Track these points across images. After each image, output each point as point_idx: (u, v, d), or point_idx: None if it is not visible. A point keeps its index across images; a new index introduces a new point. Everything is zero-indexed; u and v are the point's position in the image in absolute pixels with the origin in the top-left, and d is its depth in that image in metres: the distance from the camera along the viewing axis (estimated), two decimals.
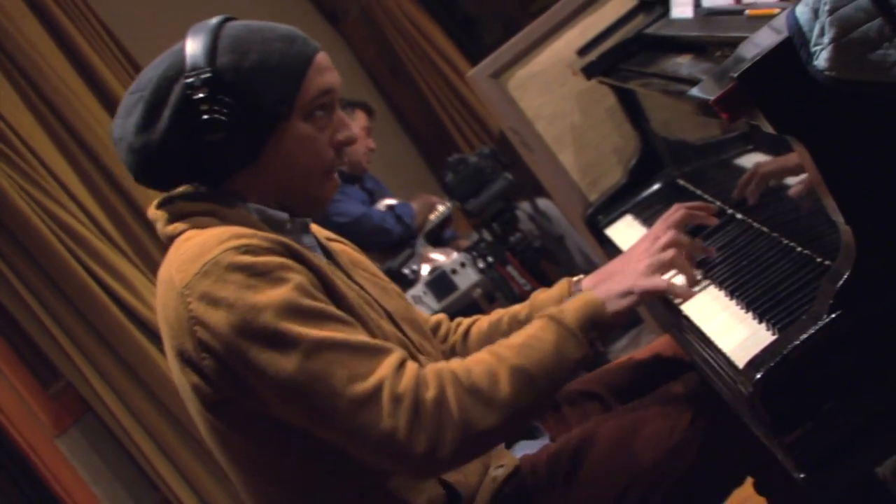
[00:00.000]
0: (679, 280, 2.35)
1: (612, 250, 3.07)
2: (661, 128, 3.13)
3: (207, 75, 2.11)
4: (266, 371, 2.00)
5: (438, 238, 5.29)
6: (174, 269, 2.09)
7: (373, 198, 5.52)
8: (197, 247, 2.08)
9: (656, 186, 3.15)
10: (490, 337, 2.57)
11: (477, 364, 2.08)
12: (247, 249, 2.04)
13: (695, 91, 1.90)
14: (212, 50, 2.14)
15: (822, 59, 1.63)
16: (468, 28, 7.10)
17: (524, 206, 4.80)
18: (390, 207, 5.31)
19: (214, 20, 2.21)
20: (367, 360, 2.01)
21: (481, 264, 4.59)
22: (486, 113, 6.37)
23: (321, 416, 2.03)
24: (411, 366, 2.04)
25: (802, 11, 1.66)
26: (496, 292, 4.57)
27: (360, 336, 2.06)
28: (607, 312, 2.16)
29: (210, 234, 2.11)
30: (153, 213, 2.26)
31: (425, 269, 4.83)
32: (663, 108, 3.04)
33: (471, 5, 7.43)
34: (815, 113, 1.67)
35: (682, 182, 3.04)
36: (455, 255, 4.75)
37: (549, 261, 4.78)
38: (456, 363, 2.09)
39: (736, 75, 1.69)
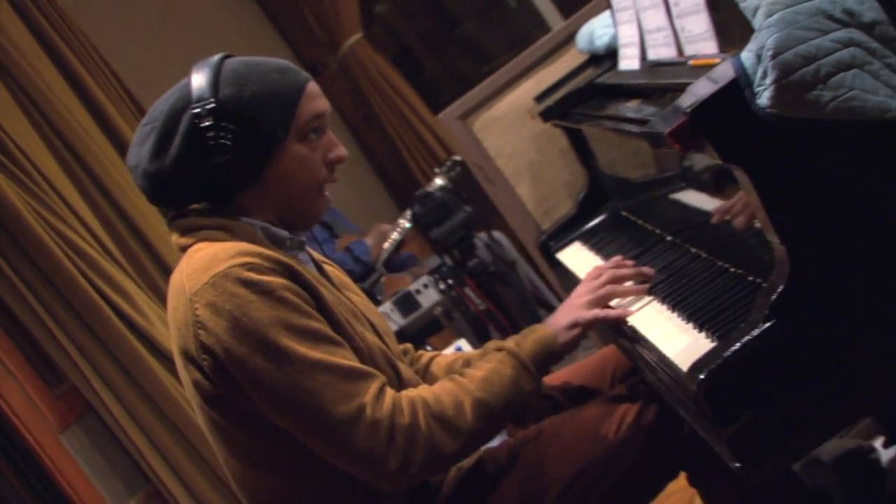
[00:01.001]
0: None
1: (562, 272, 3.10)
2: (606, 166, 3.14)
3: (212, 105, 2.13)
4: (261, 380, 2.04)
5: (393, 263, 5.29)
6: (185, 276, 2.12)
7: (333, 233, 5.49)
8: (207, 259, 2.11)
9: (602, 217, 3.16)
10: (447, 375, 2.60)
11: (445, 394, 2.14)
12: (252, 267, 2.07)
13: (650, 125, 1.90)
14: (215, 83, 2.16)
15: (764, 98, 1.64)
16: (430, 83, 7.12)
17: (481, 236, 4.81)
18: (347, 249, 5.28)
19: (216, 57, 2.24)
20: (353, 384, 2.06)
21: (442, 286, 4.60)
22: (445, 155, 6.37)
23: (306, 427, 2.09)
24: (390, 393, 2.10)
25: (747, 56, 1.68)
26: (454, 311, 4.58)
27: (348, 360, 2.10)
28: (558, 344, 2.25)
29: (220, 247, 2.13)
30: (170, 225, 2.29)
31: (384, 292, 4.85)
32: (609, 149, 3.06)
33: (432, 64, 7.46)
34: (757, 145, 1.69)
35: (624, 213, 3.06)
36: (421, 277, 4.75)
37: (501, 284, 4.78)
38: (427, 391, 2.16)
39: (688, 111, 1.69)
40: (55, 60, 4.82)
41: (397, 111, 6.57)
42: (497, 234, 5.04)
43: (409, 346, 2.72)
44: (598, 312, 2.30)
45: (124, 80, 5.14)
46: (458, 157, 4.84)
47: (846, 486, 3.08)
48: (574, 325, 2.26)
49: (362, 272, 5.14)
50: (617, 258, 2.58)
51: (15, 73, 4.54)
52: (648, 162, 2.74)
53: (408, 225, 4.93)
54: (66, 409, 4.33)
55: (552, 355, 2.24)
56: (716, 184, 2.24)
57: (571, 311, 2.30)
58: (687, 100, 1.75)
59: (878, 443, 3.27)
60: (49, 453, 4.19)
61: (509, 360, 2.19)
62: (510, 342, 2.26)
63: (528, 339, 2.24)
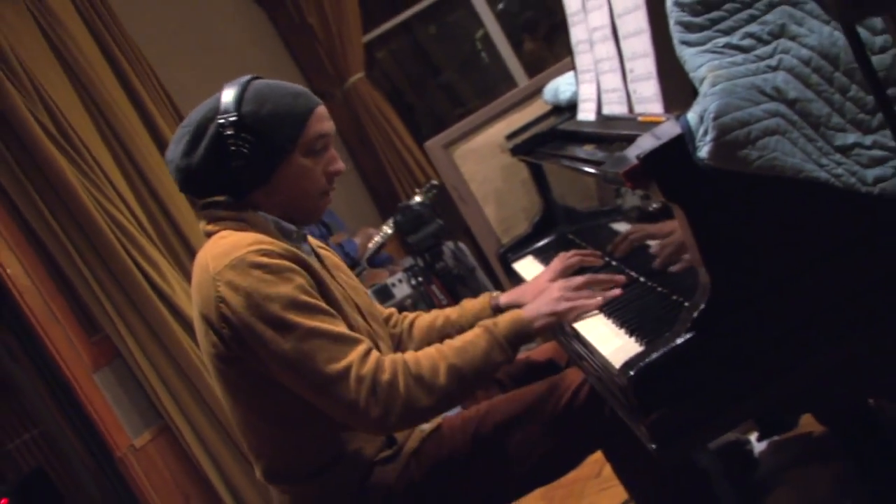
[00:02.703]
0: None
1: (515, 279, 3.09)
2: (558, 197, 3.15)
3: (234, 118, 2.16)
4: (269, 346, 2.07)
5: (375, 260, 5.29)
6: (209, 258, 2.14)
7: (329, 231, 5.50)
8: (229, 245, 2.14)
9: (552, 237, 3.17)
10: (428, 332, 2.63)
11: (424, 358, 2.14)
12: (264, 253, 2.10)
13: (607, 166, 1.90)
14: (239, 100, 2.19)
15: (703, 151, 1.65)
16: (414, 117, 7.13)
17: (448, 244, 4.82)
18: (339, 245, 5.31)
19: (245, 77, 2.26)
20: (342, 347, 2.08)
21: (413, 282, 4.61)
22: (422, 176, 6.39)
23: (305, 384, 2.10)
24: (374, 354, 2.10)
25: (692, 116, 1.68)
26: (421, 303, 4.60)
27: (340, 328, 2.12)
28: (533, 327, 2.21)
29: (240, 236, 2.17)
30: (198, 214, 2.37)
31: (365, 283, 4.84)
32: (561, 183, 3.06)
33: (417, 101, 7.46)
34: (694, 189, 1.69)
35: (570, 236, 3.06)
36: (396, 273, 4.76)
37: (462, 285, 4.79)
38: (409, 355, 2.15)
39: (640, 156, 1.69)
40: (115, 70, 4.83)
41: (387, 137, 6.57)
42: (461, 245, 5.06)
43: (393, 310, 2.73)
44: (571, 304, 2.25)
45: (169, 90, 5.12)
46: (435, 182, 4.88)
47: (726, 470, 3.09)
48: (551, 314, 2.24)
49: (349, 265, 5.13)
50: (588, 251, 2.64)
51: (82, 80, 4.54)
52: (592, 196, 2.75)
53: (389, 231, 4.92)
54: (99, 354, 4.33)
55: (524, 336, 2.22)
56: (641, 218, 2.25)
57: (550, 301, 2.26)
58: (636, 149, 1.75)
59: (752, 437, 3.29)
60: (83, 388, 4.20)
61: (485, 334, 2.18)
62: (490, 320, 2.24)
63: (504, 319, 2.22)
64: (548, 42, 6.89)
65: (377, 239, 5.19)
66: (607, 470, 3.59)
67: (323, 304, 2.14)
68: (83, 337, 4.31)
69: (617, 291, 2.27)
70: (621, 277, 2.34)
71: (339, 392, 2.05)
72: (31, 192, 4.16)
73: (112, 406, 4.27)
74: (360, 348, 2.09)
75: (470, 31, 7.19)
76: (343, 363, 2.05)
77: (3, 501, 5.90)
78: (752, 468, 3.18)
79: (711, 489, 2.40)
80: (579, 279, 2.34)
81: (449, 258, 4.66)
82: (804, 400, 1.83)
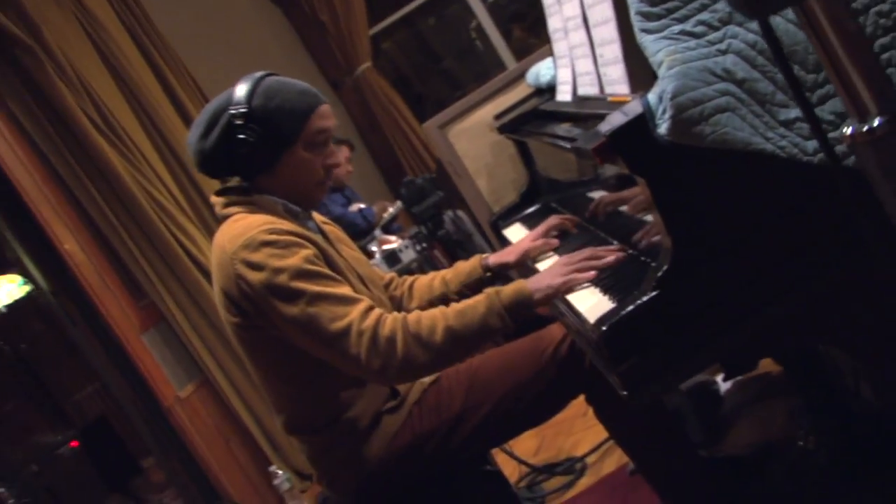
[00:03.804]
0: None
1: (505, 243, 3.05)
2: (542, 170, 3.11)
3: (244, 110, 2.14)
4: (282, 313, 2.05)
5: (388, 228, 5.27)
6: (226, 240, 2.13)
7: (349, 202, 5.52)
8: (243, 227, 2.12)
9: (537, 206, 3.12)
10: (426, 290, 2.59)
11: (425, 318, 2.08)
12: (273, 231, 2.09)
13: (579, 143, 1.86)
14: (251, 94, 2.16)
15: (662, 129, 1.61)
16: (418, 102, 7.07)
17: (448, 214, 4.81)
18: (360, 209, 5.33)
19: (259, 73, 2.23)
20: (345, 306, 2.04)
21: (418, 248, 4.58)
22: (426, 155, 6.35)
23: (315, 342, 2.07)
24: (376, 311, 2.07)
25: (652, 97, 1.64)
26: (426, 266, 4.58)
27: (343, 289, 2.09)
28: (534, 298, 2.09)
29: (251, 219, 2.15)
30: (214, 199, 2.30)
31: (377, 249, 4.82)
32: (545, 157, 3.02)
33: (420, 87, 7.41)
34: (655, 162, 1.65)
35: (553, 205, 3.02)
36: (402, 240, 4.73)
37: (461, 249, 4.77)
38: (412, 314, 2.09)
39: (607, 134, 1.65)
40: (151, 67, 4.86)
41: (393, 120, 6.54)
42: (460, 213, 5.05)
43: (393, 275, 2.69)
44: (569, 278, 2.10)
45: (199, 82, 5.11)
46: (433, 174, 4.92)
47: (695, 408, 3.09)
48: (550, 287, 2.09)
49: (366, 229, 5.21)
50: (567, 216, 2.60)
51: (123, 76, 4.58)
52: (572, 168, 2.70)
53: (401, 205, 4.88)
54: (146, 317, 4.37)
55: (525, 305, 2.08)
56: (618, 186, 2.21)
57: (552, 276, 2.12)
58: (605, 126, 1.72)
59: (719, 377, 3.28)
60: (133, 347, 4.25)
61: (485, 300, 2.08)
62: (495, 288, 2.13)
63: (508, 288, 2.11)
64: (534, 30, 6.86)
65: (391, 210, 5.20)
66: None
67: (327, 271, 2.11)
68: (131, 303, 4.33)
69: (612, 258, 2.10)
70: (616, 250, 2.15)
71: (343, 346, 2.03)
72: (82, 178, 4.20)
73: (159, 362, 4.30)
74: (361, 306, 2.06)
75: (465, 22, 7.13)
76: (346, 321, 2.02)
77: (73, 443, 5.97)
78: (719, 405, 3.17)
79: (680, 427, 2.40)
80: (579, 254, 2.17)
81: (449, 225, 4.63)
82: (756, 348, 1.81)
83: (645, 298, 1.67)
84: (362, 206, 5.46)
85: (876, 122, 0.92)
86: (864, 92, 0.92)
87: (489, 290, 2.12)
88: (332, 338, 2.03)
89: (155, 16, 4.96)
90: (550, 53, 2.84)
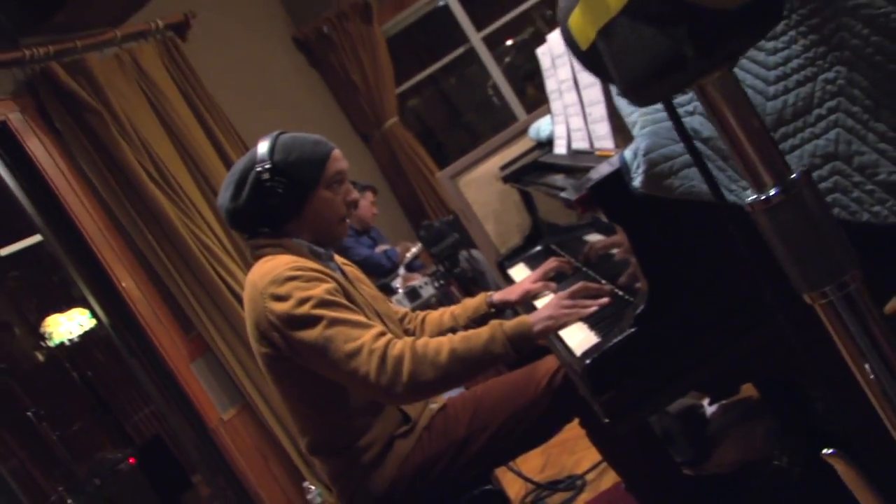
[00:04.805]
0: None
1: (510, 281, 3.04)
2: (543, 215, 3.11)
3: (269, 166, 2.15)
4: (302, 338, 2.03)
5: (412, 266, 5.26)
6: (257, 277, 2.13)
7: (375, 243, 5.52)
8: (271, 266, 2.12)
9: (539, 248, 3.12)
10: (436, 325, 2.58)
11: (432, 342, 2.06)
12: (297, 268, 2.09)
13: (564, 194, 1.86)
14: (272, 151, 2.18)
15: (637, 182, 1.60)
16: (440, 150, 7.10)
17: (463, 253, 4.78)
18: (384, 251, 5.33)
19: (274, 133, 2.24)
20: (358, 330, 2.03)
21: (436, 284, 4.57)
22: (447, 199, 6.35)
23: (329, 363, 2.04)
24: (387, 335, 2.05)
25: (627, 153, 1.64)
26: (444, 300, 4.56)
27: (358, 317, 2.07)
28: (534, 330, 2.05)
29: (280, 259, 2.15)
30: (245, 243, 2.34)
31: (400, 285, 4.82)
32: (545, 204, 3.03)
33: (442, 137, 7.44)
34: (631, 211, 1.64)
35: (553, 246, 3.02)
36: (422, 277, 4.72)
37: (475, 286, 4.75)
38: (420, 340, 2.07)
39: (589, 187, 1.65)
40: (201, 123, 4.86)
41: (417, 169, 6.55)
42: (475, 252, 5.02)
43: (407, 310, 2.68)
44: (566, 312, 2.07)
45: (242, 136, 5.14)
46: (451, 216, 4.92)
47: (683, 429, 3.06)
48: (549, 319, 2.07)
49: (391, 268, 5.19)
50: (563, 259, 2.57)
51: (175, 132, 4.59)
52: (570, 214, 2.69)
53: (421, 246, 4.88)
54: (194, 348, 4.35)
55: (526, 336, 2.05)
56: (609, 230, 2.20)
57: (550, 310, 2.10)
58: (587, 181, 1.71)
59: (705, 402, 3.25)
60: (183, 375, 4.23)
61: (489, 329, 2.06)
62: (499, 320, 2.10)
63: (512, 321, 2.09)
64: (544, 88, 6.86)
65: (413, 250, 5.19)
66: None
67: (345, 302, 2.11)
68: (181, 335, 4.32)
69: (605, 300, 2.09)
70: (606, 288, 2.17)
71: (355, 365, 2.00)
72: (139, 224, 4.20)
73: (205, 388, 4.29)
74: (374, 331, 2.04)
75: (483, 81, 7.16)
76: (359, 342, 2.01)
77: (131, 460, 5.97)
78: (705, 426, 3.14)
79: (665, 449, 2.36)
80: (572, 289, 2.15)
81: (464, 264, 4.61)
82: (724, 378, 1.78)
83: (624, 335, 1.66)
84: (387, 247, 5.46)
85: (772, 193, 0.94)
86: (759, 166, 0.92)
87: (494, 322, 2.10)
88: (345, 357, 2.01)
89: (205, 78, 5.00)
90: (549, 111, 2.86)
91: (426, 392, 2.08)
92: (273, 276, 2.09)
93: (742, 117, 0.92)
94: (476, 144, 7.03)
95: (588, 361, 1.67)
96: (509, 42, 7.18)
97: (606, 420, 1.69)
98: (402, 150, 6.52)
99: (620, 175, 1.64)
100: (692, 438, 3.03)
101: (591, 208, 1.69)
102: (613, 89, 1.72)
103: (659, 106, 1.66)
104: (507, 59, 6.97)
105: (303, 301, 2.05)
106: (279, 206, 2.18)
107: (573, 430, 2.62)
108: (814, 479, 2.42)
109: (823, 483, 2.37)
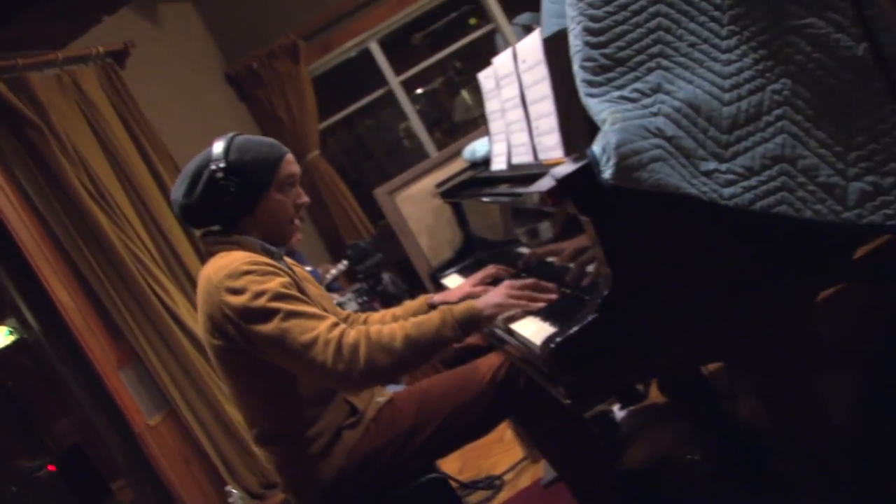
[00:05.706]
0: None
1: (443, 290, 2.96)
2: (474, 231, 3.05)
3: (223, 165, 2.04)
4: (259, 331, 1.91)
5: (330, 287, 5.13)
6: (212, 271, 2.00)
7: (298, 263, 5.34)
8: (227, 261, 2.00)
9: (469, 260, 3.05)
10: (379, 324, 2.46)
11: (386, 329, 1.95)
12: (252, 262, 1.97)
13: (532, 188, 1.79)
14: (227, 150, 2.07)
15: (607, 174, 1.55)
16: (355, 184, 6.99)
17: (386, 273, 4.68)
18: (309, 272, 5.18)
19: (230, 134, 2.14)
20: (313, 321, 1.91)
21: (360, 300, 4.45)
22: (363, 228, 6.26)
23: (286, 354, 1.92)
24: (341, 326, 1.93)
25: (596, 148, 1.59)
26: None
27: (313, 309, 1.95)
28: (483, 314, 1.96)
29: (234, 255, 2.03)
30: (200, 240, 2.17)
31: None
32: (476, 220, 2.98)
33: (357, 175, 7.34)
34: (600, 203, 1.58)
35: (484, 259, 2.94)
36: (347, 293, 4.60)
37: (396, 302, 4.65)
38: (373, 328, 1.95)
39: (559, 179, 1.58)
40: (137, 145, 4.66)
41: (336, 199, 6.42)
42: (393, 276, 4.93)
43: (350, 312, 2.59)
44: (515, 301, 1.98)
45: (177, 159, 4.92)
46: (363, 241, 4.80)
47: (596, 432, 3.02)
48: (496, 305, 1.97)
49: None
50: (502, 266, 2.48)
51: (114, 153, 4.40)
52: (499, 230, 2.66)
53: (343, 268, 4.72)
54: (123, 355, 4.11)
55: (475, 320, 1.95)
56: (542, 242, 2.16)
57: (498, 296, 2.01)
58: (551, 177, 1.64)
59: (615, 407, 3.22)
60: (111, 381, 4.00)
61: (440, 313, 1.97)
62: (448, 306, 2.00)
63: (460, 305, 1.99)
64: (449, 133, 6.95)
65: (333, 272, 5.04)
66: (508, 435, 3.49)
67: (300, 295, 1.99)
68: (111, 342, 4.08)
69: (553, 296, 2.00)
70: (553, 285, 2.06)
71: (312, 355, 1.88)
72: (75, 236, 4.00)
73: (133, 395, 4.05)
74: (328, 321, 1.93)
75: (395, 125, 7.12)
76: (314, 333, 1.89)
77: (50, 467, 5.58)
78: (615, 429, 3.10)
79: (597, 441, 2.31)
80: (523, 281, 2.07)
81: (388, 283, 4.51)
82: (682, 363, 1.73)
83: (588, 319, 1.58)
84: (308, 268, 5.30)
85: None
86: None
87: (443, 307, 2.00)
88: (302, 347, 1.89)
89: (142, 103, 4.79)
90: (486, 134, 2.80)
91: (382, 377, 1.96)
92: (229, 271, 1.96)
93: None
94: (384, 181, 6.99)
95: (553, 346, 1.59)
96: (419, 91, 7.18)
97: (568, 401, 1.60)
98: (322, 181, 6.38)
99: (589, 169, 1.57)
100: (604, 440, 2.99)
101: (559, 201, 1.62)
102: (582, 89, 1.66)
103: (626, 106, 1.61)
104: (418, 107, 6.95)
105: (258, 294, 1.92)
106: (231, 205, 2.06)
107: (490, 436, 2.54)
108: (725, 470, 2.40)
109: (733, 472, 2.36)
